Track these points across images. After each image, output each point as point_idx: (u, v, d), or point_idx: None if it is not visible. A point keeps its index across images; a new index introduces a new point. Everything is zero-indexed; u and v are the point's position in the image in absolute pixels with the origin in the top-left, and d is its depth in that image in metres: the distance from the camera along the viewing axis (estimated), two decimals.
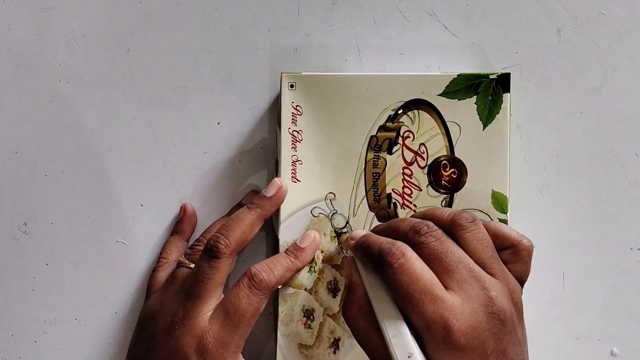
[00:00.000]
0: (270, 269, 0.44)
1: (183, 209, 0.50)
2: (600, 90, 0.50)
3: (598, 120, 0.50)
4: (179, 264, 0.47)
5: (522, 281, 0.43)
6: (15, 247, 0.52)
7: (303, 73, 0.46)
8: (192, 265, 0.46)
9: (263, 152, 0.51)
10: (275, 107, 0.50)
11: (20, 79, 0.51)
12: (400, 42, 0.50)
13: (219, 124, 0.51)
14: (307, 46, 0.50)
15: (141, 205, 0.51)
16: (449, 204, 0.46)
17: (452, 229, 0.42)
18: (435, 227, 0.41)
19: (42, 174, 0.51)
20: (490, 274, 0.41)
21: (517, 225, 0.47)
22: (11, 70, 0.52)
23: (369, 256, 0.42)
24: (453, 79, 0.46)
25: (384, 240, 0.41)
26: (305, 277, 0.47)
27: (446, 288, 0.39)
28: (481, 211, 0.46)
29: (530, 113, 0.50)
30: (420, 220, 0.42)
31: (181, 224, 0.50)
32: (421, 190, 0.46)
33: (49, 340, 0.51)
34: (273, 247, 0.50)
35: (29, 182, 0.52)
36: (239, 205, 0.50)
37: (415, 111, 0.46)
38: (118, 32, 0.51)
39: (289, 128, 0.46)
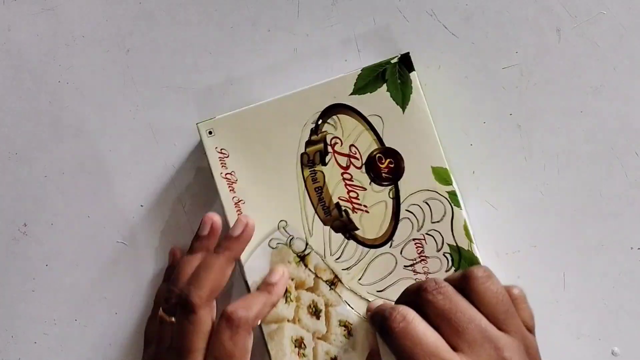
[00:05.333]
0: (246, 305, 0.43)
1: (172, 254, 0.50)
2: (600, 90, 0.50)
3: (598, 120, 0.50)
4: (161, 320, 0.46)
5: (531, 328, 0.41)
6: (15, 248, 0.52)
7: (217, 117, 0.47)
8: (173, 319, 0.45)
9: None
10: None
11: (20, 79, 0.51)
12: (400, 42, 0.50)
13: None
14: (306, 46, 0.50)
15: (141, 205, 0.51)
16: (396, 193, 0.46)
17: (465, 283, 0.39)
18: (445, 283, 0.39)
19: (42, 175, 0.51)
20: (504, 331, 0.38)
21: (518, 226, 0.47)
22: (11, 70, 0.52)
23: (375, 325, 0.40)
24: (358, 75, 0.46)
25: (387, 307, 0.39)
26: (284, 309, 0.46)
27: (456, 349, 0.37)
28: (428, 190, 0.46)
29: (530, 113, 0.50)
30: (430, 278, 0.41)
31: (171, 270, 0.50)
32: (365, 189, 0.46)
33: (49, 341, 0.51)
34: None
35: (28, 183, 0.51)
36: (196, 237, 0.47)
37: (335, 117, 0.46)
38: (118, 32, 0.51)
39: (221, 173, 0.47)
